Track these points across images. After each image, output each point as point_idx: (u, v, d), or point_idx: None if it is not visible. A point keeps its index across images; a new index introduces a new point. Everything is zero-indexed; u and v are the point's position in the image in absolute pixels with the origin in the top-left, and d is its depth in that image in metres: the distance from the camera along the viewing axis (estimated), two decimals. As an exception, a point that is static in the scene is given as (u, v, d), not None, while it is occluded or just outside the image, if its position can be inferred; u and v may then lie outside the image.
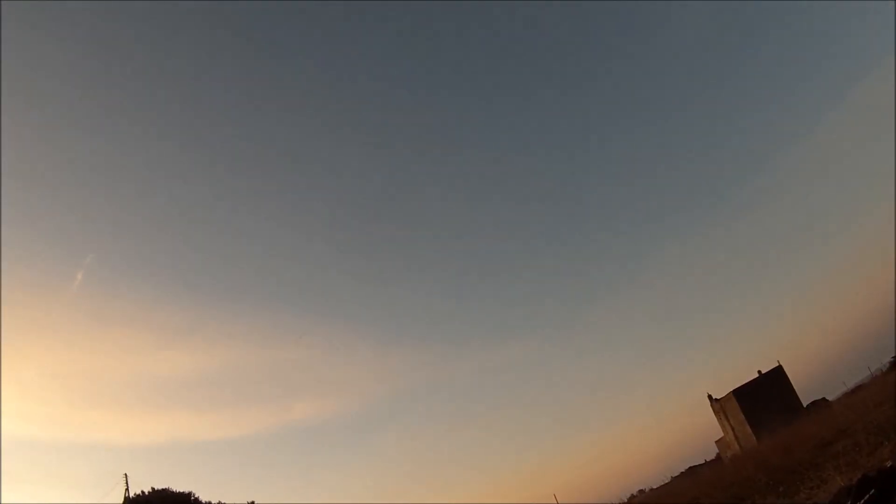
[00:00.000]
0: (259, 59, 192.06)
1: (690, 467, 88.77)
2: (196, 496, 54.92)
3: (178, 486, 55.57)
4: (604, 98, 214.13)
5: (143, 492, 54.10)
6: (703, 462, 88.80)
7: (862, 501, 10.86)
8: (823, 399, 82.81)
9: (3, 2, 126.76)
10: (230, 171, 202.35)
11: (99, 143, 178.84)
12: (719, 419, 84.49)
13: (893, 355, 79.04)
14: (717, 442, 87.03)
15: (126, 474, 56.86)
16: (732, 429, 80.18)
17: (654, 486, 75.54)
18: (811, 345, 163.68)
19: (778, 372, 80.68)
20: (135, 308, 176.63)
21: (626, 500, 68.24)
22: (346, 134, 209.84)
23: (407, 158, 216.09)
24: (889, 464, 12.10)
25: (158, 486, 54.71)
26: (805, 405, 78.93)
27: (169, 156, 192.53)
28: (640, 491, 79.47)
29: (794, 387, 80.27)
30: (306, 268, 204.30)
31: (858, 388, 68.52)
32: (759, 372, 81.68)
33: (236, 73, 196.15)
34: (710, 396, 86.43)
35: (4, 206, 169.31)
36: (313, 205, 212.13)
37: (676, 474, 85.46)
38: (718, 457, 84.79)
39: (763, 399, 76.27)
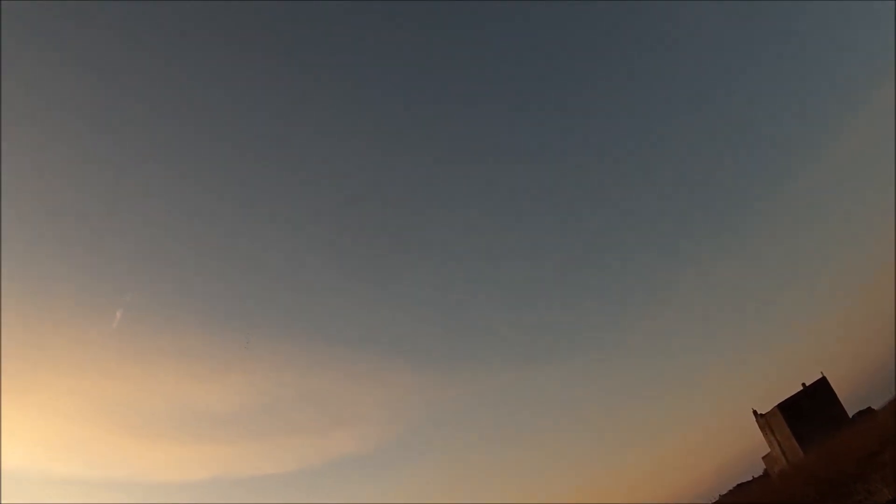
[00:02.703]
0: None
1: (738, 485, 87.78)
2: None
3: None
4: (649, 115, 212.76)
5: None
6: (751, 479, 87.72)
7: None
8: (869, 409, 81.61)
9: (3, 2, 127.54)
10: (265, 208, 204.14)
11: (136, 183, 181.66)
12: (765, 434, 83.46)
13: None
14: (763, 458, 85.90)
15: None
16: (779, 443, 79.17)
17: (703, 505, 74.89)
18: (854, 354, 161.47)
19: (822, 383, 79.62)
20: (174, 343, 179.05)
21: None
22: (382, 167, 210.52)
23: (437, 185, 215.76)
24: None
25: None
26: (851, 415, 77.91)
27: (205, 197, 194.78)
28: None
29: (839, 397, 79.21)
30: (339, 298, 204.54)
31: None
32: (803, 384, 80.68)
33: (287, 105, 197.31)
34: (755, 412, 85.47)
35: (46, 245, 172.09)
36: (344, 237, 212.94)
37: (724, 492, 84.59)
38: (766, 472, 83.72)
39: (808, 412, 75.38)
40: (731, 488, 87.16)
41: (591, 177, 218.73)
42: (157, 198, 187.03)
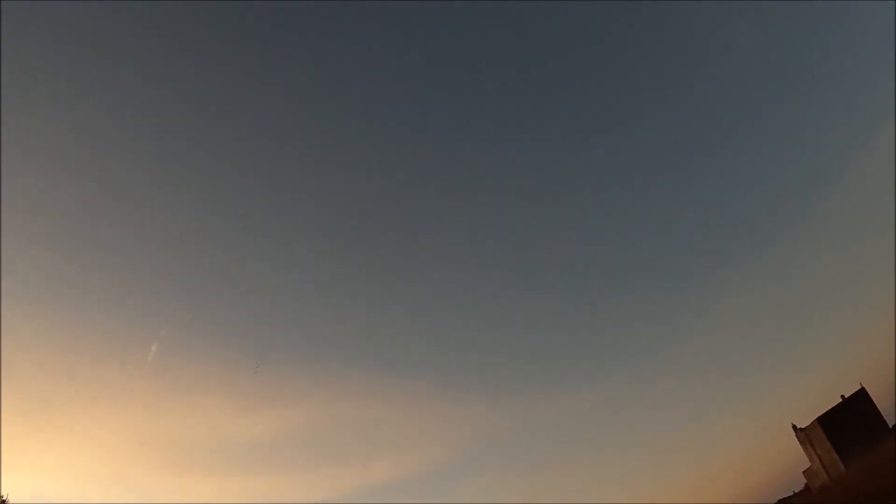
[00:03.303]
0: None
1: (780, 500, 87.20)
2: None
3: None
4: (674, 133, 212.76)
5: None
6: (792, 494, 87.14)
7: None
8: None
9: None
10: (302, 239, 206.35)
11: (163, 216, 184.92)
12: (805, 449, 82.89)
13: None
14: (804, 472, 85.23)
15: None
16: (819, 457, 78.61)
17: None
18: (893, 363, 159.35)
19: (861, 395, 79.09)
20: (211, 376, 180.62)
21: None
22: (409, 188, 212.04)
23: (477, 206, 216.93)
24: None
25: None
26: (892, 426, 77.27)
27: (239, 228, 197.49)
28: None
29: (880, 408, 78.61)
30: (376, 325, 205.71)
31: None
32: (842, 397, 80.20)
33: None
34: (794, 426, 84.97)
35: (81, 279, 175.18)
36: (374, 260, 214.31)
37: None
38: (807, 487, 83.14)
39: (848, 424, 74.88)
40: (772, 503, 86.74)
41: (624, 199, 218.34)
42: (187, 230, 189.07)
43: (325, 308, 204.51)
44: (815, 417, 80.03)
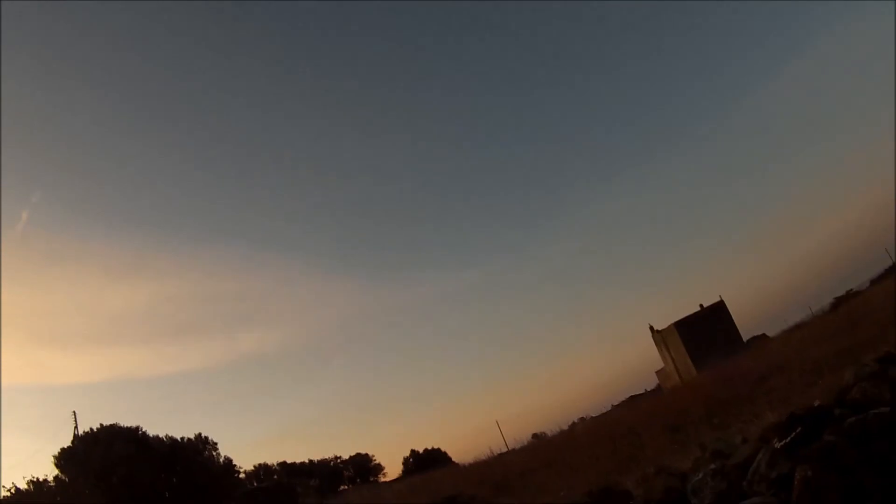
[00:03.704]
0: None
1: (631, 396, 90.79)
2: (144, 430, 54.29)
3: (127, 422, 54.76)
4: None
5: (91, 429, 53.34)
6: (644, 392, 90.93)
7: (788, 439, 10.93)
8: (763, 335, 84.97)
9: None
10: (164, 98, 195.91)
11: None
12: (660, 350, 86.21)
13: (835, 296, 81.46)
14: (657, 372, 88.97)
15: (75, 412, 56.24)
16: (673, 360, 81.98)
17: (595, 415, 77.17)
18: (754, 282, 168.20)
19: (720, 306, 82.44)
20: (82, 245, 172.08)
21: (566, 428, 69.86)
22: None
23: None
24: (817, 403, 12.21)
25: (107, 423, 53.90)
26: (745, 340, 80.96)
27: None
28: (581, 419, 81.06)
29: (736, 322, 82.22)
30: (249, 199, 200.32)
31: (798, 327, 70.04)
32: (701, 306, 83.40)
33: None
34: (651, 327, 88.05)
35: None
36: (256, 131, 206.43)
37: (617, 403, 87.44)
38: (659, 387, 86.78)
39: (704, 332, 77.87)
40: (623, 399, 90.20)
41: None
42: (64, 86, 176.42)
43: (193, 181, 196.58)
44: (673, 322, 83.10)
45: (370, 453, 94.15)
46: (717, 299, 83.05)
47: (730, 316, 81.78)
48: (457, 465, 71.51)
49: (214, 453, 57.28)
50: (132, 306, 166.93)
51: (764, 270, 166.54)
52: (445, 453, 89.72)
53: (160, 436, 55.33)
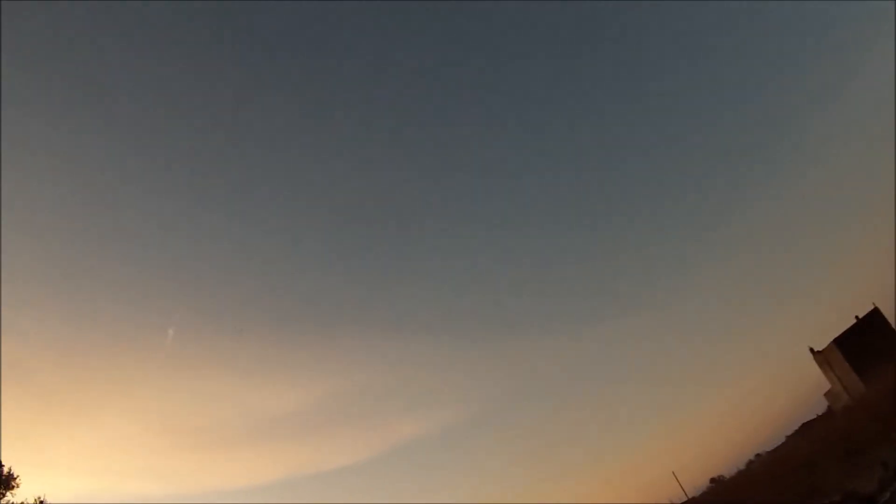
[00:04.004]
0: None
1: (803, 424, 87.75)
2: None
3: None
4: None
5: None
6: (815, 417, 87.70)
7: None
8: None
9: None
10: (311, 220, 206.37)
11: (158, 208, 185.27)
12: (825, 371, 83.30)
13: None
14: (825, 394, 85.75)
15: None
16: (839, 379, 79.04)
17: (769, 449, 75.04)
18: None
19: (875, 314, 79.37)
20: (230, 352, 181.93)
21: (743, 467, 67.82)
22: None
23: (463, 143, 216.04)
24: None
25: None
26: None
27: (234, 203, 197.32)
28: (757, 455, 78.78)
29: (894, 327, 78.88)
30: (399, 290, 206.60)
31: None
32: (857, 317, 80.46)
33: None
34: (811, 350, 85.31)
35: (93, 276, 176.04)
36: (385, 231, 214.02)
37: (790, 433, 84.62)
38: (829, 409, 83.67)
39: (865, 345, 75.05)
40: (796, 428, 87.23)
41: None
42: (186, 215, 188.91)
43: (335, 275, 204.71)
44: (832, 339, 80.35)
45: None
46: (871, 307, 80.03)
47: (887, 322, 78.50)
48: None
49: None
50: (289, 406, 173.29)
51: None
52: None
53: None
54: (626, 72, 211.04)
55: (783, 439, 78.44)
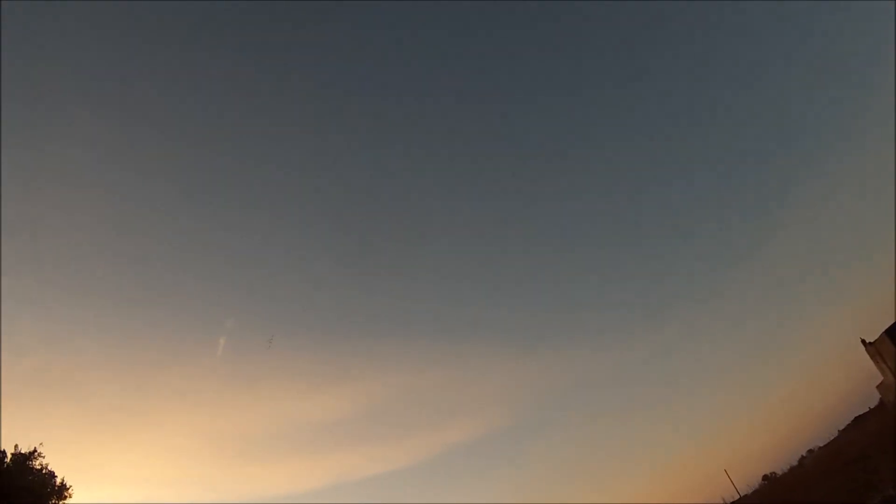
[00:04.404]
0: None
1: (855, 417, 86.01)
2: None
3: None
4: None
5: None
6: (867, 410, 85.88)
7: None
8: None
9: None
10: (353, 233, 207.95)
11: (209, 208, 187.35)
12: (876, 363, 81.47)
13: None
14: (877, 386, 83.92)
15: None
16: (891, 370, 77.26)
17: (822, 444, 73.69)
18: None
19: (927, 303, 77.68)
20: (279, 360, 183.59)
21: (795, 464, 66.62)
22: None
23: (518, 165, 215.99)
24: None
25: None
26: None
27: (281, 218, 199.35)
28: (809, 451, 77.34)
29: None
30: (432, 294, 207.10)
31: None
32: (907, 305, 78.81)
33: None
34: (863, 341, 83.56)
35: (145, 289, 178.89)
36: (430, 241, 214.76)
37: (843, 427, 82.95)
38: (882, 402, 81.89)
39: (917, 334, 73.46)
40: (848, 422, 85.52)
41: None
42: (239, 223, 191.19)
43: (379, 283, 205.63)
44: (884, 330, 78.61)
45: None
46: (923, 296, 78.29)
47: (939, 310, 76.70)
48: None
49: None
50: (335, 413, 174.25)
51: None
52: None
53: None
54: (667, 96, 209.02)
55: (836, 433, 76.89)
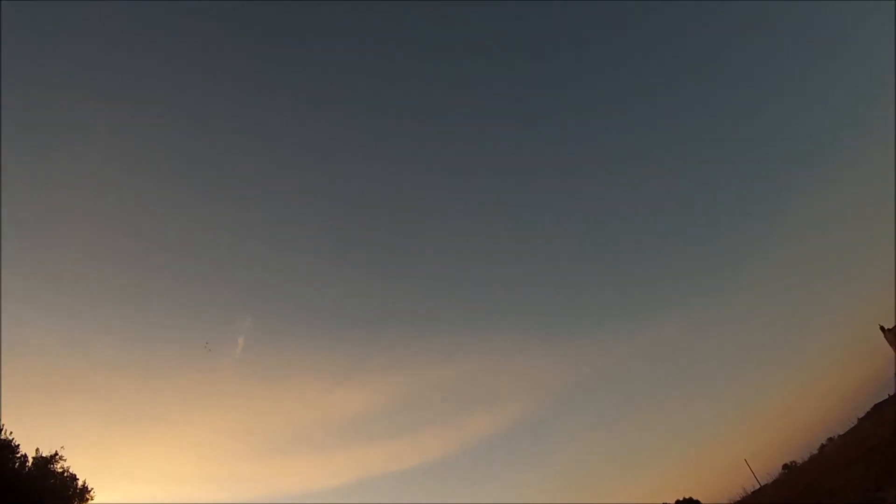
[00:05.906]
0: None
1: (875, 405, 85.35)
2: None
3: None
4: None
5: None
6: (887, 397, 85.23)
7: None
8: None
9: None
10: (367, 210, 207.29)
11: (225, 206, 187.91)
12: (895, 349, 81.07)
13: None
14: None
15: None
16: (911, 357, 76.90)
17: (842, 432, 73.12)
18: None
19: (945, 288, 77.07)
20: (297, 358, 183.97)
21: (815, 452, 66.23)
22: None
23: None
24: None
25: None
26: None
27: (302, 216, 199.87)
28: (829, 439, 76.80)
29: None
30: (454, 288, 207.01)
31: None
32: (926, 292, 78.18)
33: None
34: (882, 328, 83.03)
35: (164, 291, 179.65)
36: (450, 222, 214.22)
37: (862, 415, 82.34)
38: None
39: (936, 319, 72.91)
40: (868, 409, 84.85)
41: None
42: (257, 221, 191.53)
43: (399, 278, 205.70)
44: (902, 317, 78.16)
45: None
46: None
47: (958, 296, 76.14)
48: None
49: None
50: (355, 410, 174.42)
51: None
52: (698, 502, 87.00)
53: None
54: (667, 96, 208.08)
55: (855, 421, 76.29)
